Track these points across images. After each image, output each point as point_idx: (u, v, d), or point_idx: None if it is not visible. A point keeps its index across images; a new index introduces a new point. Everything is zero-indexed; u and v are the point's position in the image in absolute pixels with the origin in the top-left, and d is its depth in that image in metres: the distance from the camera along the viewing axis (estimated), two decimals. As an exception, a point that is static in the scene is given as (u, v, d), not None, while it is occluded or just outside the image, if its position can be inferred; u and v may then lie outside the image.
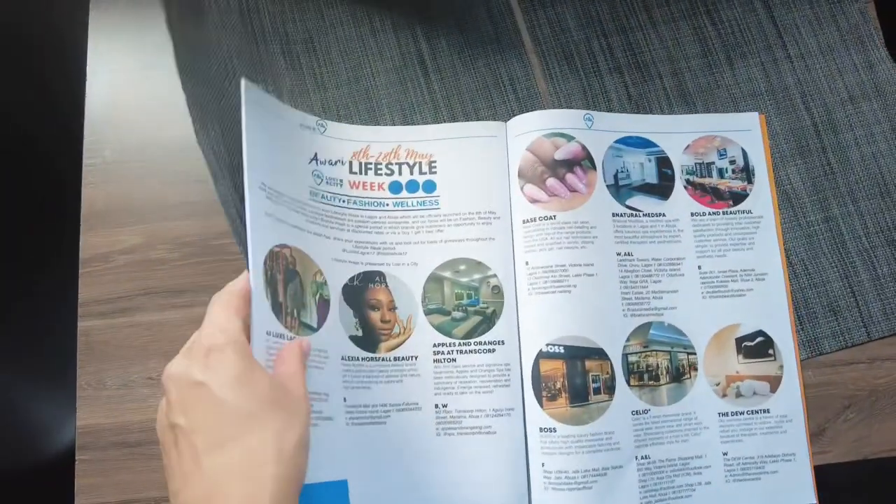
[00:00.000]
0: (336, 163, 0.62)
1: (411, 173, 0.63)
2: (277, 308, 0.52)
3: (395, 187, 0.63)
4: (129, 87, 0.69)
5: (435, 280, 0.61)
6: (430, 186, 0.63)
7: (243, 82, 0.54)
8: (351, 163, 0.63)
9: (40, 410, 0.92)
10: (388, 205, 0.62)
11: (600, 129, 0.63)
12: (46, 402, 0.92)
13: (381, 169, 0.63)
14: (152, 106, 0.68)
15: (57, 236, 0.76)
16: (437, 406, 0.58)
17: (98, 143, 0.68)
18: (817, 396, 0.62)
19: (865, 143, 0.66)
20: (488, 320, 0.60)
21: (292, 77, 0.67)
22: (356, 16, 0.69)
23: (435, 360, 0.59)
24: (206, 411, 0.37)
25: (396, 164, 0.63)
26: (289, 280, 0.55)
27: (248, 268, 0.50)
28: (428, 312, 0.60)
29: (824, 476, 0.60)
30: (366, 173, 0.63)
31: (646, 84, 0.68)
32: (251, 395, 0.37)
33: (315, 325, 0.57)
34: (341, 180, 0.62)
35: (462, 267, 0.61)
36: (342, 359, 0.58)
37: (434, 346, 0.60)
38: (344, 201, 0.62)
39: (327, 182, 0.62)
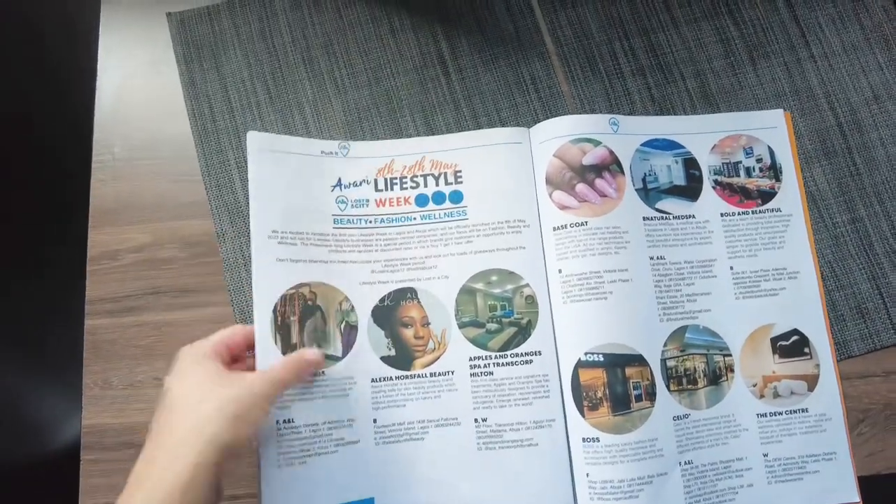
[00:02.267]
0: (361, 183, 0.61)
1: (437, 184, 0.62)
2: (290, 350, 0.54)
3: (422, 200, 0.62)
4: (140, 83, 0.67)
5: (467, 292, 0.60)
6: (456, 196, 0.62)
7: (249, 135, 0.57)
8: (376, 181, 0.62)
9: (45, 407, 0.90)
10: (415, 219, 0.61)
11: (626, 133, 0.62)
12: (51, 400, 0.90)
13: (406, 183, 0.62)
14: (162, 102, 0.66)
15: (65, 233, 0.74)
16: (476, 420, 0.57)
17: (108, 139, 0.66)
18: (831, 410, 0.61)
19: (891, 142, 0.66)
20: (524, 331, 0.59)
21: (313, 86, 0.65)
22: (375, 16, 0.67)
23: (472, 374, 0.58)
24: (170, 402, 0.47)
25: (421, 175, 0.62)
26: (306, 317, 0.56)
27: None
28: (462, 326, 0.59)
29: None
30: (391, 189, 0.62)
31: (669, 86, 0.66)
32: (194, 384, 0.47)
33: (339, 354, 0.57)
34: (367, 200, 0.61)
35: (494, 278, 0.60)
36: (372, 381, 0.58)
37: (470, 359, 0.58)
38: (371, 221, 0.61)
39: (353, 205, 0.61)
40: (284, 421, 0.53)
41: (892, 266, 0.63)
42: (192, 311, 0.62)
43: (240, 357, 0.53)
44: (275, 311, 0.54)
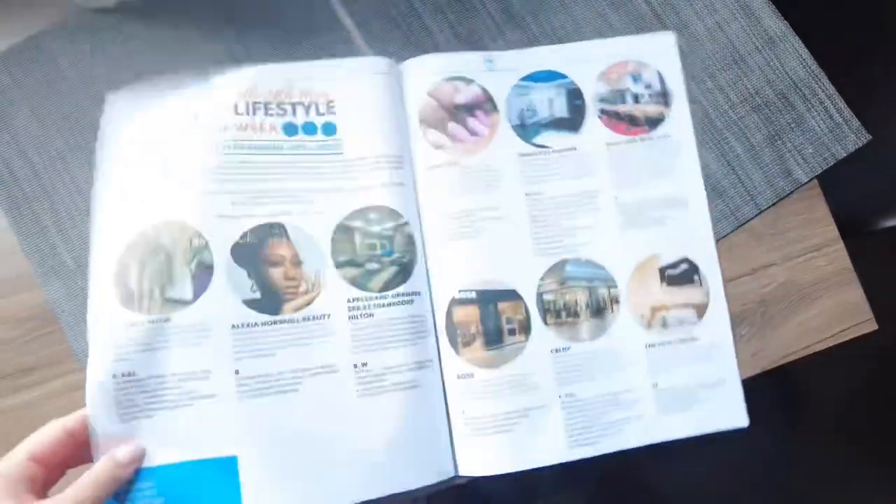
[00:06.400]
0: (220, 108, 0.57)
1: (307, 114, 0.58)
2: (128, 299, 0.51)
3: (290, 129, 0.58)
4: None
5: (344, 230, 0.57)
6: (329, 129, 0.58)
7: (107, 96, 0.56)
8: (236, 104, 0.57)
9: None
10: (283, 148, 0.57)
11: (503, 69, 0.62)
12: None
13: (271, 109, 0.58)
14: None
15: None
16: (356, 366, 0.54)
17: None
18: (708, 320, 0.63)
19: (707, 13, 0.65)
20: (404, 271, 0.57)
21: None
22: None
23: (350, 317, 0.55)
24: None
25: (290, 103, 0.58)
26: (148, 260, 0.52)
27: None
28: (339, 266, 0.56)
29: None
30: (254, 114, 0.57)
31: (470, 17, 0.64)
32: None
33: (188, 298, 0.52)
34: (226, 126, 0.56)
35: (373, 215, 0.57)
36: (232, 328, 0.53)
37: (349, 301, 0.56)
38: (230, 147, 0.56)
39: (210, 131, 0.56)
40: (123, 374, 0.50)
41: (737, 137, 0.63)
42: (41, 389, 0.59)
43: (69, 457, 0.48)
44: (119, 262, 0.52)
